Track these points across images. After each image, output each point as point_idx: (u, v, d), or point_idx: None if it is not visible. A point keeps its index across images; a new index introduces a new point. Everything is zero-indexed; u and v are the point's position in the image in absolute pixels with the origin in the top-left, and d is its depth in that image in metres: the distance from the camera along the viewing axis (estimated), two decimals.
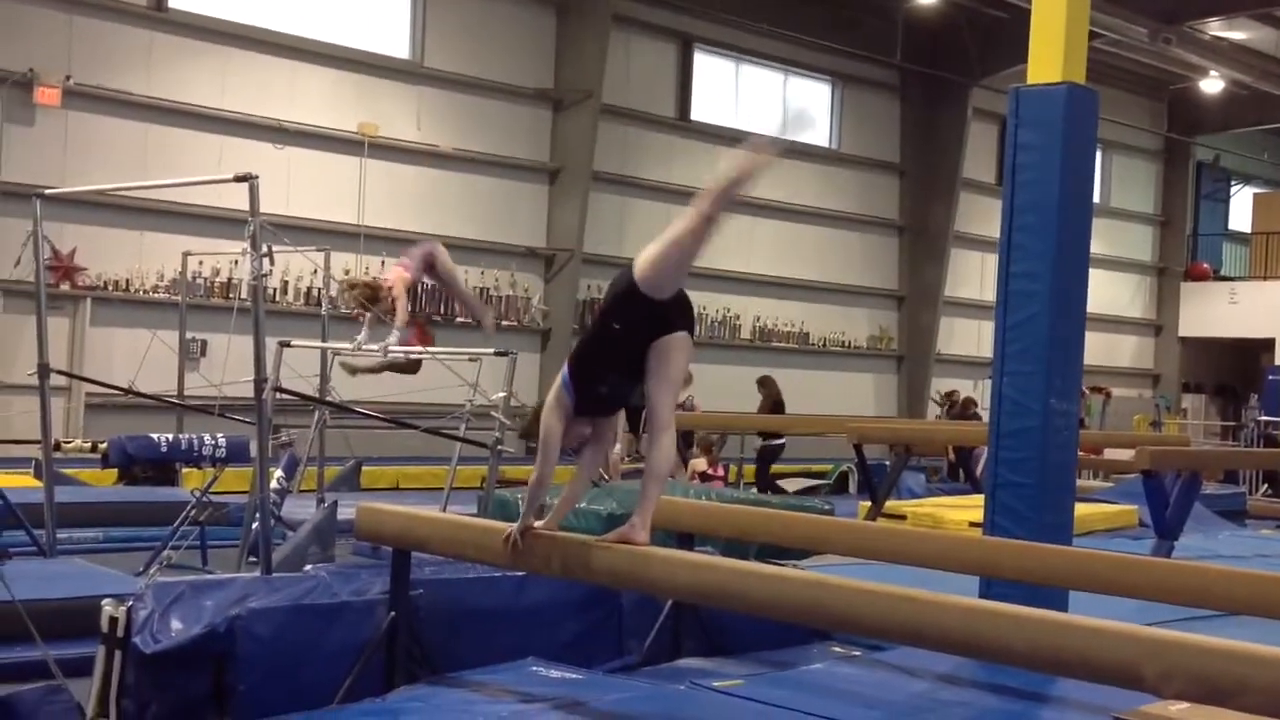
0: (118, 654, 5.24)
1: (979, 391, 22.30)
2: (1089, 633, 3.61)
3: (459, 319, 17.42)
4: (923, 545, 5.96)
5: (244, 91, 15.67)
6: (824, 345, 21.91)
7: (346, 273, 16.01)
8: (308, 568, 6.31)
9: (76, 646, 5.59)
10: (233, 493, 10.07)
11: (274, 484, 8.62)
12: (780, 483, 15.78)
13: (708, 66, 20.41)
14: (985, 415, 19.43)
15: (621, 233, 18.56)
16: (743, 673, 5.70)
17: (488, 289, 17.87)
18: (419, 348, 9.47)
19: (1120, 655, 3.52)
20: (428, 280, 9.52)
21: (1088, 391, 22.72)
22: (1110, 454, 16.88)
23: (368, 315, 8.86)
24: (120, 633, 5.24)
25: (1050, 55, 6.30)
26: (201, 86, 15.40)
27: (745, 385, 19.24)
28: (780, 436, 15.50)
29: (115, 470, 11.93)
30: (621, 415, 14.13)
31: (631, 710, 4.77)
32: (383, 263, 16.64)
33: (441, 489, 10.03)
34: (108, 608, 5.33)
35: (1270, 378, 23.26)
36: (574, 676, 5.36)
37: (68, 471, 11.18)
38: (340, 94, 16.57)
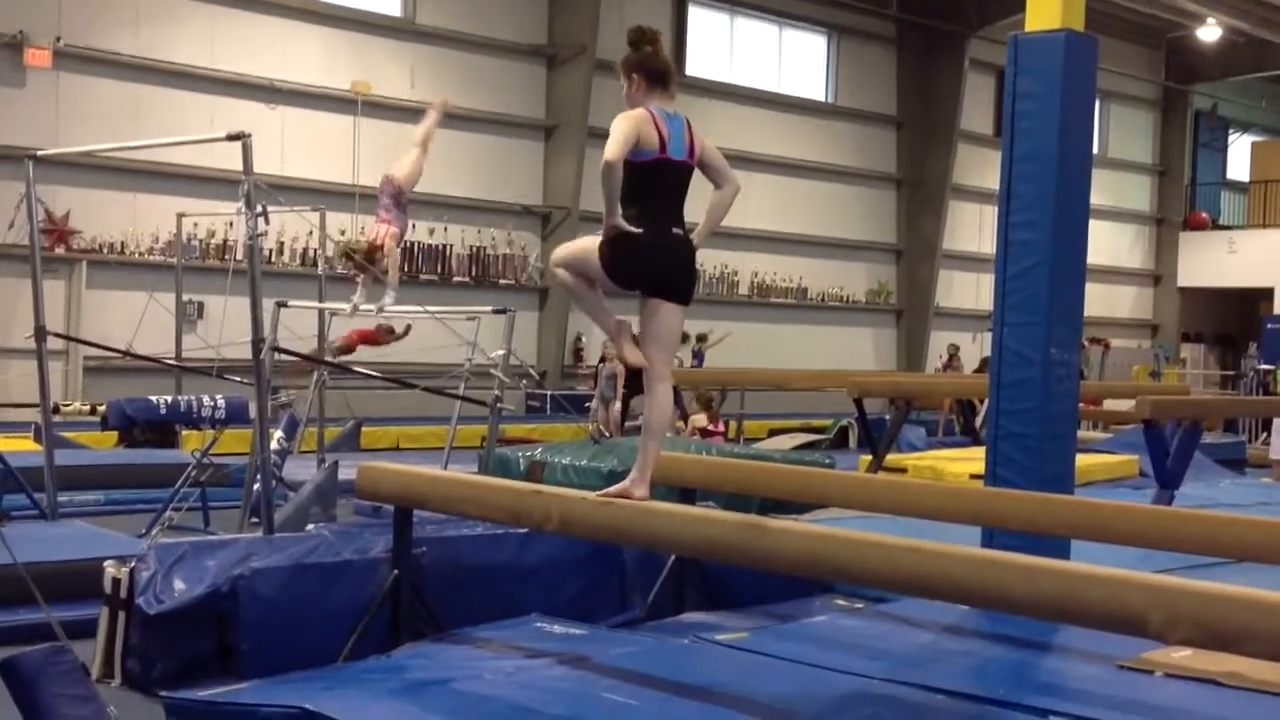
0: (121, 615, 5.26)
1: (978, 344, 22.34)
2: (1094, 581, 3.61)
3: (456, 279, 17.39)
4: (925, 496, 5.96)
5: (235, 51, 15.56)
6: (822, 300, 21.88)
7: (342, 233, 15.95)
8: (310, 528, 6.32)
9: (80, 609, 5.59)
10: (233, 454, 10.07)
11: (274, 445, 8.61)
12: (781, 437, 15.79)
13: (702, 20, 20.27)
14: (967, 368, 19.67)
15: None
16: (746, 626, 5.71)
17: (484, 248, 17.82)
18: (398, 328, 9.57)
19: (1125, 603, 3.52)
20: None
21: (1087, 343, 22.71)
22: (1110, 404, 16.89)
23: (362, 277, 8.80)
24: (124, 594, 5.25)
25: (1049, 2, 6.23)
26: (192, 46, 15.28)
27: (745, 341, 19.23)
28: None
29: (115, 433, 11.93)
30: (622, 372, 14.17)
31: (635, 665, 4.78)
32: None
33: (442, 449, 10.03)
34: (110, 569, 5.34)
35: (1269, 326, 23.23)
36: (577, 632, 5.37)
37: (67, 435, 11.17)
38: (333, 53, 16.45)
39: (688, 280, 4.75)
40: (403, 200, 8.63)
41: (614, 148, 4.47)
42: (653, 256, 4.61)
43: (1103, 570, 3.67)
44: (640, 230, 4.53)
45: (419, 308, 9.50)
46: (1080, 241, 6.36)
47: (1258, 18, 22.33)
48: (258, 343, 6.94)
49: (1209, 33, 23.65)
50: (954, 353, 20.49)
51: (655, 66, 4.80)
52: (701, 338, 17.20)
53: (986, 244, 20.54)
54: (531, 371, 13.77)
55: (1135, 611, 3.48)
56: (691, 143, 4.70)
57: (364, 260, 8.50)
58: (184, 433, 11.92)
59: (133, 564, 5.31)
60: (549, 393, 16.95)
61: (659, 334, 4.68)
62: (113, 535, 7.23)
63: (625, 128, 4.54)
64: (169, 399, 11.78)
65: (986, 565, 3.87)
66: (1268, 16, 22.45)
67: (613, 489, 4.79)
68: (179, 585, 5.21)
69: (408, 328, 11.02)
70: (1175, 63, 26.60)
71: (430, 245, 17.20)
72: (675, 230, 4.65)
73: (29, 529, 7.30)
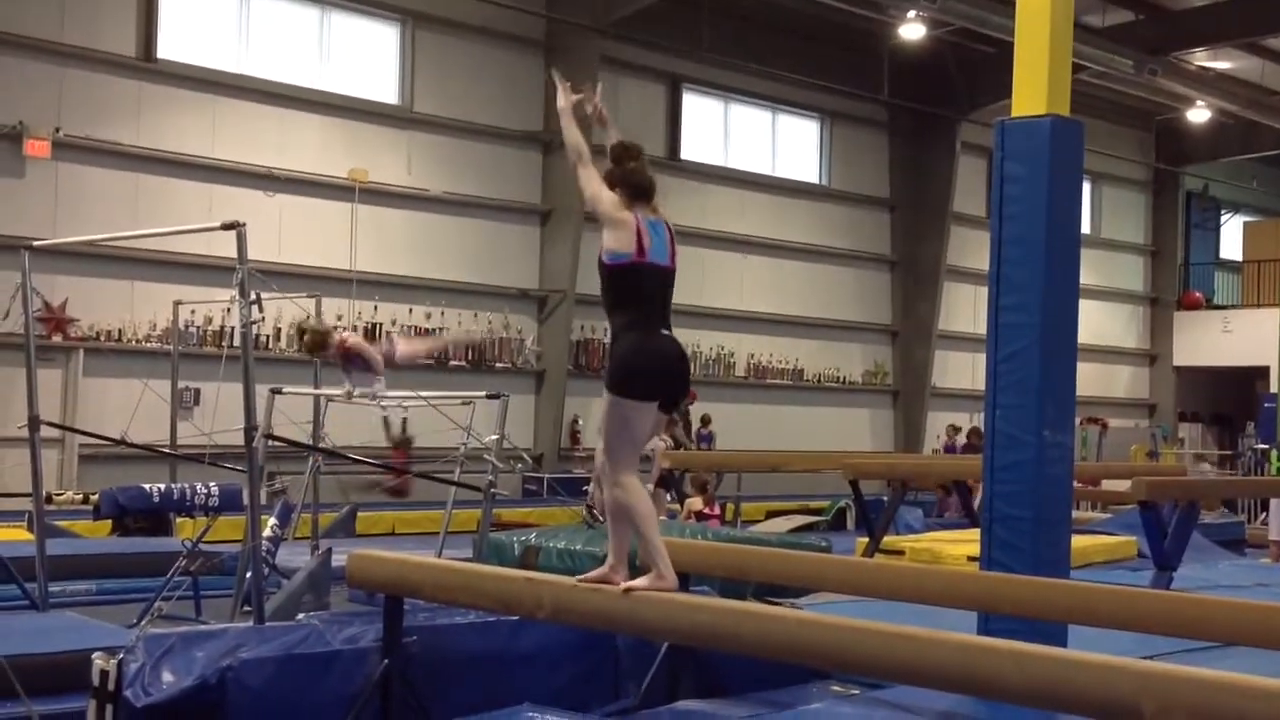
0: (109, 708, 5.20)
1: (975, 424, 22.30)
2: (1084, 668, 3.58)
3: (453, 362, 17.42)
4: (920, 581, 5.92)
5: (234, 140, 15.71)
6: (819, 381, 21.89)
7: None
8: (300, 616, 6.27)
9: (70, 701, 5.54)
10: (228, 541, 10.00)
11: (268, 531, 8.56)
12: (778, 519, 15.72)
13: (697, 106, 20.49)
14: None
15: None
16: (740, 714, 5.65)
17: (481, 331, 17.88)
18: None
19: (1117, 690, 3.49)
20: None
21: (1083, 423, 22.69)
22: (1108, 485, 16.83)
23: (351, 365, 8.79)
24: (111, 686, 5.20)
25: (1034, 88, 6.32)
26: (191, 136, 15.44)
27: (742, 423, 19.23)
28: None
29: (109, 522, 11.85)
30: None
31: None
32: (375, 307, 16.70)
33: (438, 533, 9.96)
34: (98, 661, 5.29)
35: (1266, 405, 23.23)
36: None
37: (61, 524, 11.11)
38: (330, 140, 16.62)
39: (684, 383, 4.82)
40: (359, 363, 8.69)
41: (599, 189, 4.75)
42: (654, 360, 4.67)
43: (1093, 657, 3.64)
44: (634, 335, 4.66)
45: (412, 393, 9.48)
46: (1070, 323, 6.39)
47: (1246, 100, 22.61)
48: (250, 430, 6.94)
49: (1198, 115, 23.89)
50: (954, 434, 20.45)
51: (638, 181, 4.99)
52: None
53: (981, 325, 20.54)
54: (525, 456, 13.73)
55: (1127, 699, 3.44)
56: (673, 247, 4.78)
57: (313, 344, 8.49)
58: (178, 520, 11.85)
59: (121, 655, 5.26)
60: (545, 476, 16.91)
61: (637, 437, 4.73)
62: (103, 626, 7.16)
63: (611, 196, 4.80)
64: (162, 487, 11.71)
65: (976, 652, 3.83)
66: (1256, 99, 22.73)
67: (592, 574, 4.82)
68: (167, 677, 5.16)
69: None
70: (1166, 145, 26.85)
71: (427, 329, 17.25)
72: (664, 331, 4.74)
73: (19, 620, 7.25)
